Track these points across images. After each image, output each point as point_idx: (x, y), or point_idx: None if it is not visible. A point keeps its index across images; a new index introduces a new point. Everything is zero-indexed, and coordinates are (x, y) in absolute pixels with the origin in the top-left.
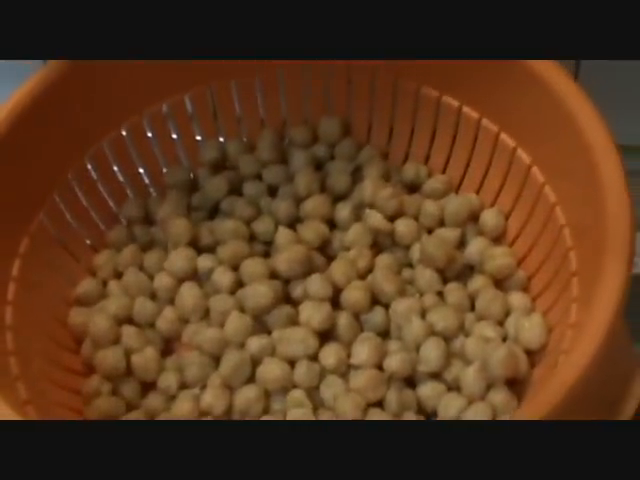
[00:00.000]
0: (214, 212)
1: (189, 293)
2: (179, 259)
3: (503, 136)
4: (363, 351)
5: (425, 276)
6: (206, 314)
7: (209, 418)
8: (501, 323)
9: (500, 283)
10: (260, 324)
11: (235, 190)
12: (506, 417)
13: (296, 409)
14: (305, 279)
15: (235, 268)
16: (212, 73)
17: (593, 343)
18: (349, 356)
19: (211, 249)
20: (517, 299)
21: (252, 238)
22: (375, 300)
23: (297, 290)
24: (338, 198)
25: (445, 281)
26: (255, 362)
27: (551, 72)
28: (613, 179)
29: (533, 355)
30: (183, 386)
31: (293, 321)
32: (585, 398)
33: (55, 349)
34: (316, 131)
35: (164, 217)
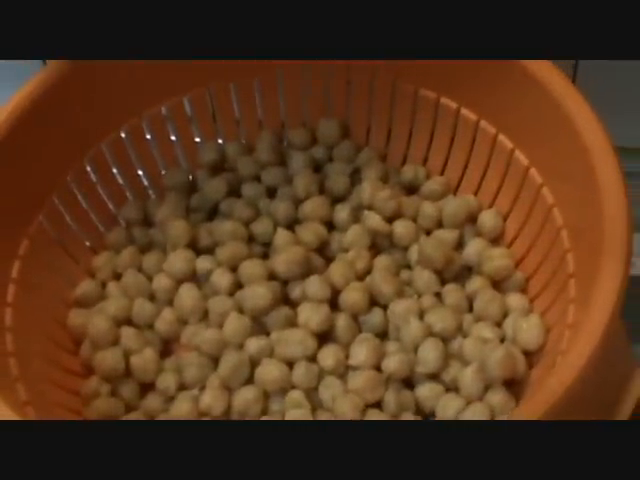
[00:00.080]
0: (213, 213)
1: (188, 294)
2: (178, 260)
3: (501, 138)
4: (361, 352)
5: (423, 277)
6: (205, 315)
7: (208, 419)
8: (499, 324)
9: (498, 284)
10: (259, 325)
11: (234, 192)
12: (504, 418)
13: (295, 410)
14: (304, 280)
15: (234, 269)
16: (211, 74)
17: (590, 344)
18: (347, 357)
19: (210, 250)
20: (515, 300)
21: (251, 239)
22: (373, 301)
23: (296, 291)
24: (337, 200)
25: (443, 282)
26: (254, 363)
27: (549, 74)
28: (610, 181)
29: (531, 356)
30: (182, 387)
31: (292, 322)
32: (583, 398)
33: (54, 350)
34: (315, 133)
35: (163, 219)
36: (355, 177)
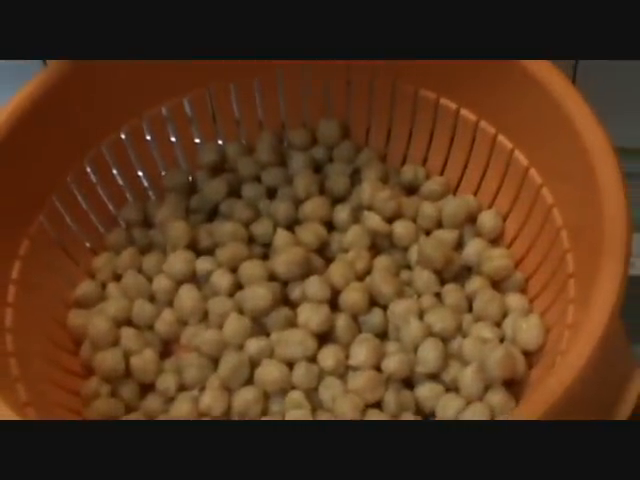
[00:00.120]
0: (213, 214)
1: (188, 295)
2: (178, 261)
3: (501, 138)
4: (361, 352)
5: (423, 277)
6: (205, 316)
7: (208, 419)
8: (499, 324)
9: (498, 284)
10: (259, 326)
11: (234, 192)
12: (504, 418)
13: (295, 410)
14: (304, 281)
15: (234, 270)
16: (211, 75)
17: (590, 344)
18: (347, 357)
19: (210, 251)
20: (515, 300)
21: (251, 240)
22: (373, 301)
23: (296, 292)
24: (337, 200)
25: (443, 282)
26: (254, 364)
27: (549, 74)
28: (610, 181)
29: (531, 356)
30: (182, 388)
31: (292, 323)
32: (582, 398)
33: (54, 351)
34: (315, 133)
35: (163, 220)
36: (355, 177)
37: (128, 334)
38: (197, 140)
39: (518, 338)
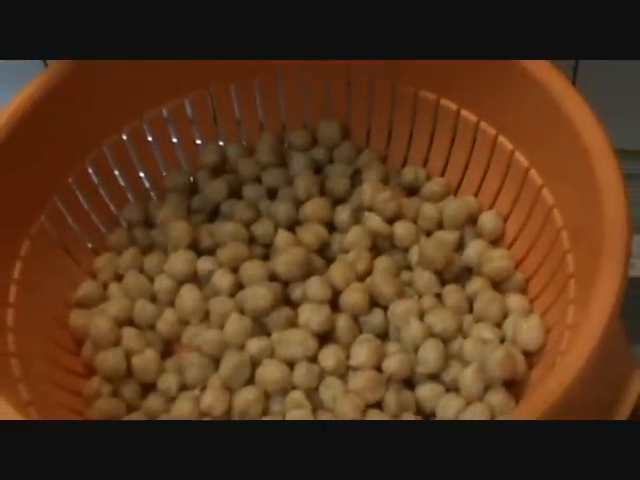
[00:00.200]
0: (214, 215)
1: (189, 295)
2: (179, 262)
3: (501, 139)
4: (362, 352)
5: (424, 278)
6: (206, 316)
7: (209, 419)
8: (499, 325)
9: (498, 285)
10: (259, 326)
11: (235, 193)
12: (504, 418)
13: (295, 410)
14: (304, 281)
15: (235, 270)
16: (211, 75)
17: (589, 344)
18: (348, 358)
19: (211, 252)
20: (515, 301)
21: (252, 241)
22: (374, 302)
23: (296, 292)
24: (337, 201)
25: (443, 283)
26: (255, 364)
27: (549, 75)
28: (610, 182)
29: (531, 356)
30: (183, 387)
31: (292, 323)
32: (582, 399)
33: (56, 351)
34: (315, 134)
35: (164, 220)
36: (356, 178)
37: (129, 334)
38: (198, 141)
39: (518, 338)
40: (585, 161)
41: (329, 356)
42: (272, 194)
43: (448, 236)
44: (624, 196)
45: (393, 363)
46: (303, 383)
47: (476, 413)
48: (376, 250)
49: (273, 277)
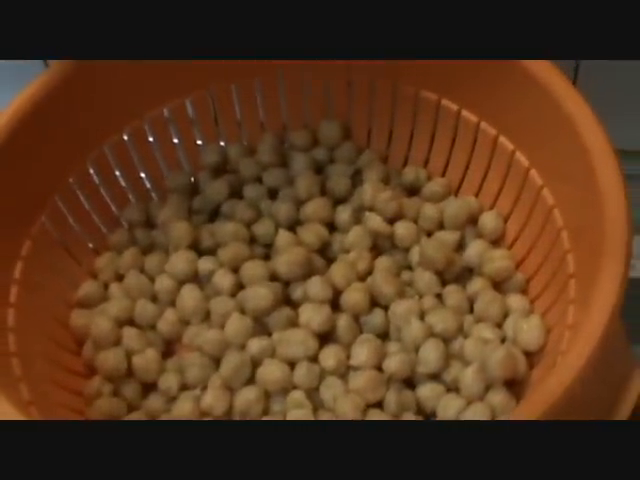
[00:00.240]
0: (215, 215)
1: (190, 295)
2: (180, 262)
3: (502, 139)
4: (362, 352)
5: (424, 278)
6: (207, 316)
7: (209, 419)
8: (500, 325)
9: (499, 285)
10: (260, 326)
11: (235, 193)
12: (505, 418)
13: (296, 410)
14: (305, 281)
15: (235, 270)
16: (212, 75)
17: (590, 344)
18: (349, 357)
19: (212, 252)
20: (516, 301)
21: (252, 241)
22: (374, 302)
23: (297, 292)
24: (338, 201)
25: (444, 283)
26: (255, 363)
27: (549, 75)
28: (611, 182)
29: (532, 356)
30: (184, 387)
31: (293, 323)
32: (582, 398)
33: (57, 350)
34: (316, 134)
35: (165, 220)
36: (356, 178)
37: (130, 334)
38: (199, 141)
39: (519, 338)
40: (586, 161)
41: (330, 356)
42: (273, 194)
43: (449, 236)
44: (624, 196)
45: (394, 363)
46: (304, 383)
47: (477, 413)
48: (377, 250)
49: (274, 277)
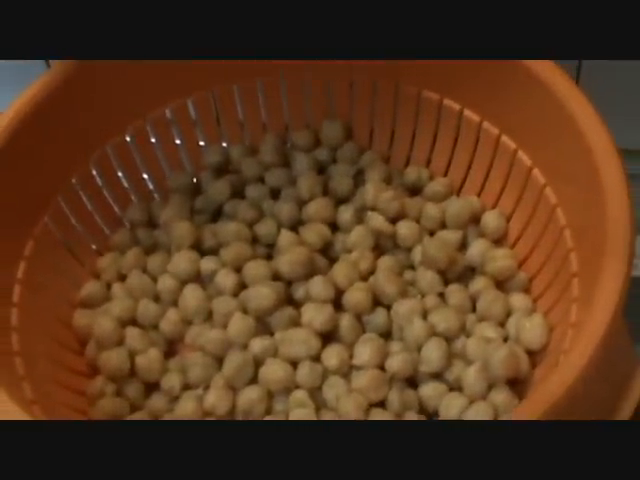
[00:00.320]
0: (217, 215)
1: (192, 295)
2: (182, 261)
3: (504, 139)
4: (365, 352)
5: (427, 278)
6: (209, 316)
7: (212, 418)
8: (502, 324)
9: (501, 284)
10: (263, 325)
11: (238, 193)
12: (507, 417)
13: (299, 409)
14: (307, 281)
15: (238, 270)
16: (214, 76)
17: (592, 343)
18: (351, 357)
19: (214, 251)
20: (518, 300)
21: (255, 240)
22: (377, 301)
23: (299, 292)
24: (340, 201)
25: (446, 283)
26: (258, 363)
27: (552, 75)
28: (614, 182)
29: (534, 355)
30: (186, 387)
31: (295, 322)
32: (584, 397)
33: (60, 350)
34: (318, 135)
35: (167, 220)
36: (359, 178)
37: (133, 334)
38: (201, 142)
39: (522, 337)
40: (589, 161)
41: (332, 355)
42: (275, 194)
43: (451, 236)
44: (627, 196)
45: (396, 362)
46: (306, 382)
47: (479, 412)
48: (379, 250)
49: (276, 277)
